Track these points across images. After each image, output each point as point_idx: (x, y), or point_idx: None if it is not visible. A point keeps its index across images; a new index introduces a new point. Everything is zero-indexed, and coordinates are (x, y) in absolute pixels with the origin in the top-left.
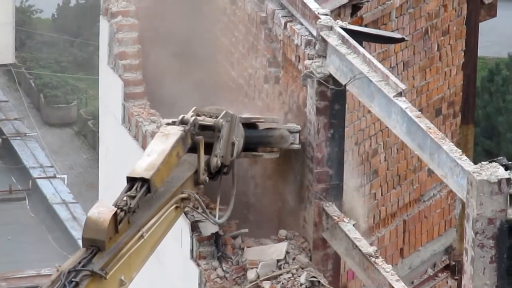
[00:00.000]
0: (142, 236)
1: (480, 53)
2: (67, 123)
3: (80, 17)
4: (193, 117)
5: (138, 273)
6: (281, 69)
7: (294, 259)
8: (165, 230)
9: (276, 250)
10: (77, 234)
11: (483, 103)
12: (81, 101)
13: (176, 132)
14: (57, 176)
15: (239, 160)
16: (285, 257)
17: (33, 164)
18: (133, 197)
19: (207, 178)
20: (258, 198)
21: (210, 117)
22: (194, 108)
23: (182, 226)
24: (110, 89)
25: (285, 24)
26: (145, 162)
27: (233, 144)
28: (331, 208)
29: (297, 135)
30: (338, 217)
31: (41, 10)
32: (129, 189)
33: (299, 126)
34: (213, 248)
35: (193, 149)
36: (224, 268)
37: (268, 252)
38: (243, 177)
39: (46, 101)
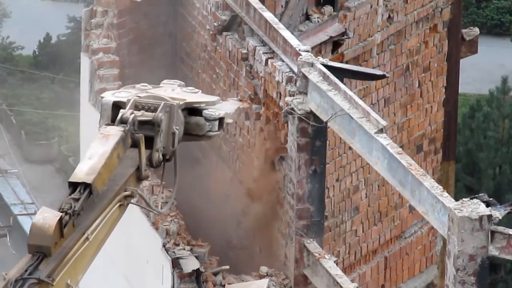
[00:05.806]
0: (87, 238)
1: (461, 89)
2: (48, 160)
3: (61, 54)
4: (132, 115)
5: (83, 275)
6: (262, 106)
7: None
8: (109, 230)
9: (257, 286)
10: None
11: (464, 140)
12: (62, 138)
13: (116, 133)
14: None
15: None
16: None
17: (14, 201)
18: (77, 200)
19: (149, 174)
20: (239, 235)
21: (149, 108)
22: (133, 100)
23: (163, 262)
24: (91, 125)
25: (266, 60)
26: (86, 166)
27: (173, 134)
28: (312, 245)
29: (215, 122)
30: (319, 254)
31: (23, 47)
32: (72, 192)
33: (217, 113)
34: (194, 285)
35: (135, 143)
36: None
37: None
38: (224, 215)
39: (27, 138)
